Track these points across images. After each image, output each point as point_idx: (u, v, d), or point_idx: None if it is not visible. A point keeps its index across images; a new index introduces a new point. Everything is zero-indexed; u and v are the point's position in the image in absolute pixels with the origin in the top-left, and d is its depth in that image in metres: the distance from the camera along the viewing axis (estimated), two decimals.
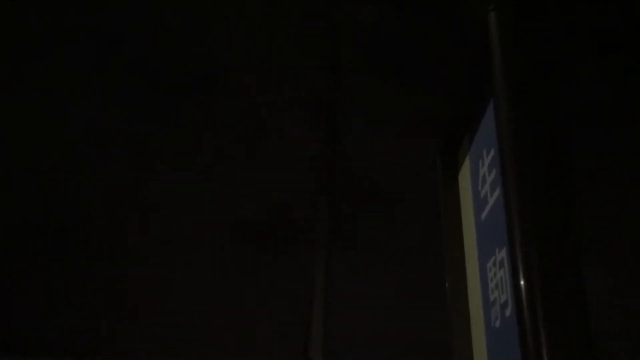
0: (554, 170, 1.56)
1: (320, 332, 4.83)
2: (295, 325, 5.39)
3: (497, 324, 1.71)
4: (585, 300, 1.51)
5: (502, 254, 1.68)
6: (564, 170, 1.57)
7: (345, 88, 5.76)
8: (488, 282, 1.78)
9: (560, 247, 1.54)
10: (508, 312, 1.63)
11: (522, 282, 1.50)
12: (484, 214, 1.83)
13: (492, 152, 1.74)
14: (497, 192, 1.71)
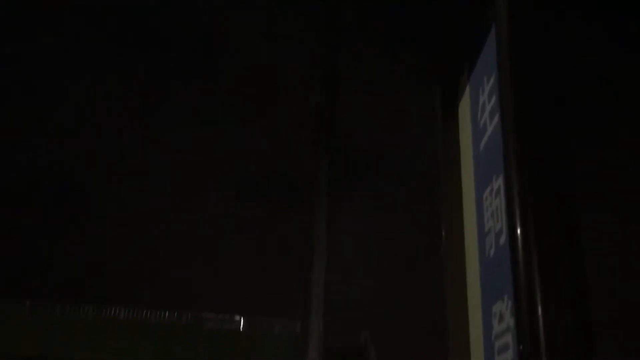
0: (554, 93, 1.51)
1: (321, 285, 4.82)
2: (296, 279, 5.40)
3: (491, 252, 1.67)
4: (579, 231, 1.47)
5: (498, 182, 1.64)
6: (565, 94, 1.52)
7: (345, 46, 5.67)
8: (484, 212, 1.74)
9: (558, 174, 1.49)
10: (502, 240, 1.59)
11: (516, 208, 1.46)
12: (482, 144, 1.79)
13: (492, 78, 1.69)
14: (496, 118, 1.66)
